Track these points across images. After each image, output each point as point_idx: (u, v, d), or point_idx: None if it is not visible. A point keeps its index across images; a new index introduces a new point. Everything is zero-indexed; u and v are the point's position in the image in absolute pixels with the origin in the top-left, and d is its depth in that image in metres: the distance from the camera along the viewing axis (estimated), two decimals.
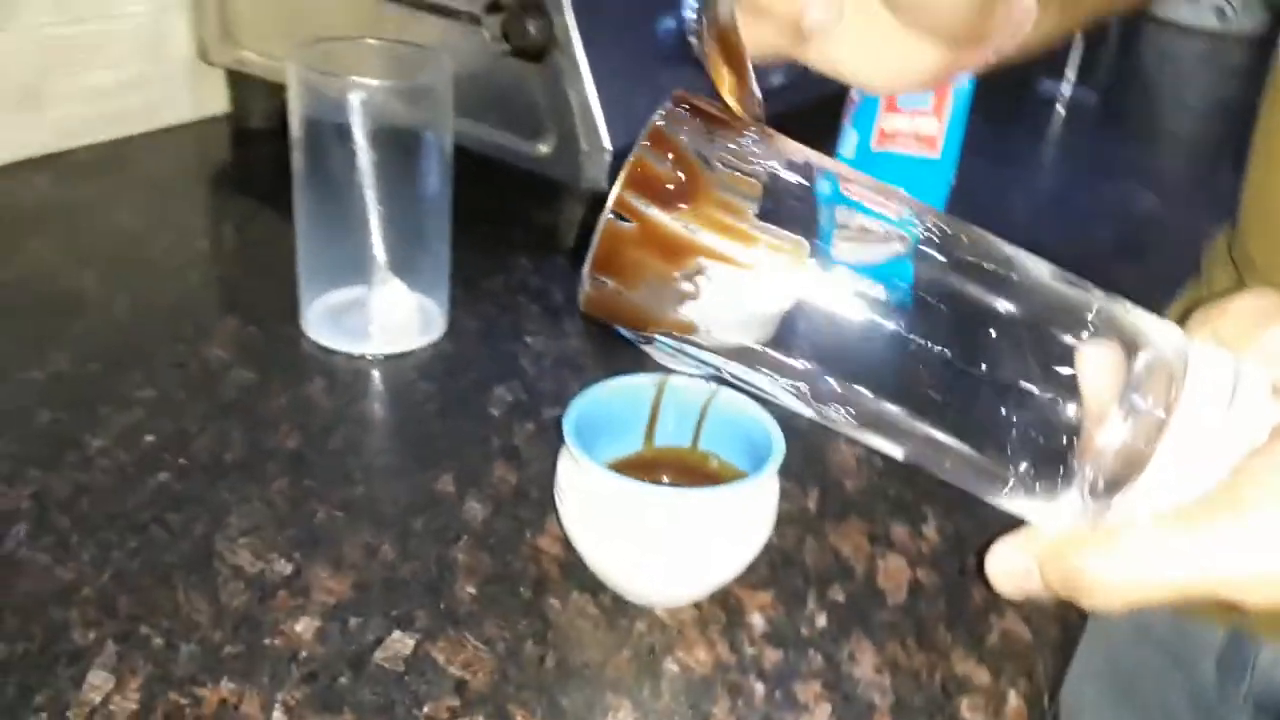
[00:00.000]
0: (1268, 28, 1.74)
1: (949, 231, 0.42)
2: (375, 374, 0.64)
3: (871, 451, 0.61)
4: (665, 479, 0.52)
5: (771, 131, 0.40)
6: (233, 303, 0.71)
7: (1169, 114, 1.56)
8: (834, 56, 0.47)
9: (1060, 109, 1.42)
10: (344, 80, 0.60)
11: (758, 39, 0.44)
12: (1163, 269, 0.91)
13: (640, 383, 0.51)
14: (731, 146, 0.37)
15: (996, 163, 1.15)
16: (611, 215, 0.36)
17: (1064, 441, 0.36)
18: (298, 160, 0.63)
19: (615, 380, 0.51)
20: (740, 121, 0.39)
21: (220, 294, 0.72)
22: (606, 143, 0.76)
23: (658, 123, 0.37)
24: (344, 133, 0.61)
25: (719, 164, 0.37)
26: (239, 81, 0.96)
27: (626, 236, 0.36)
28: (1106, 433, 0.33)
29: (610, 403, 0.51)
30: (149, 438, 0.56)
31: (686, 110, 0.38)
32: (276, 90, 0.84)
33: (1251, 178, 0.59)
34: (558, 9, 0.74)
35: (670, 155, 0.37)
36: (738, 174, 0.37)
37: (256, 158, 0.94)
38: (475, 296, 0.72)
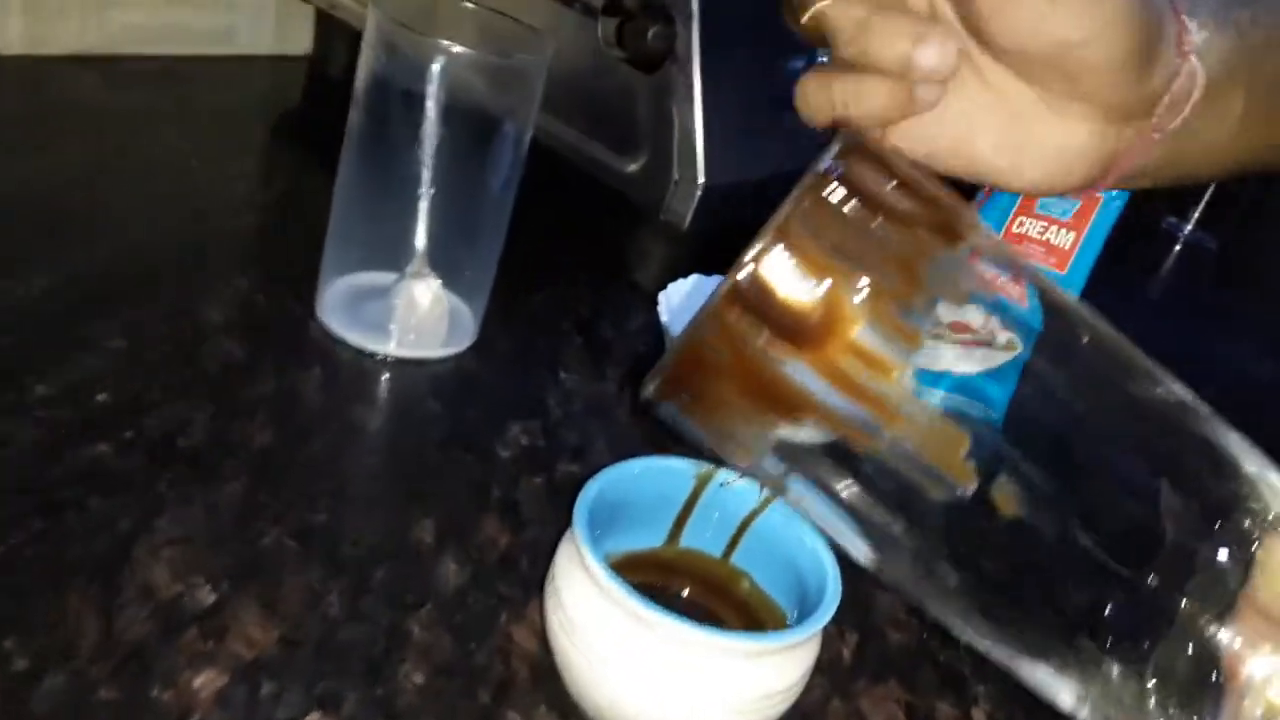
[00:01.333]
0: None
1: (1078, 331, 0.33)
2: (383, 378, 0.56)
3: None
4: (684, 590, 0.43)
5: (959, 209, 0.31)
6: (250, 261, 0.62)
7: None
8: (969, 149, 0.38)
9: (1176, 248, 1.32)
10: (428, 40, 0.52)
11: (861, 105, 0.35)
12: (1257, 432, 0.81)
13: (680, 468, 0.42)
14: (903, 244, 0.28)
15: (1097, 289, 1.06)
16: (700, 332, 0.27)
17: (1205, 668, 0.27)
18: (355, 118, 0.55)
19: (650, 459, 0.42)
20: (924, 192, 0.30)
21: (240, 247, 0.64)
22: (701, 176, 0.68)
23: (798, 206, 0.28)
24: (414, 100, 0.53)
25: (878, 282, 0.28)
26: (327, 24, 0.89)
27: (714, 366, 0.27)
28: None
29: (639, 482, 0.42)
30: (101, 396, 0.47)
31: (842, 185, 0.28)
32: None
33: None
34: (685, 20, 0.66)
35: (805, 262, 0.28)
36: (900, 317, 0.28)
37: (327, 109, 0.86)
38: (515, 312, 0.63)
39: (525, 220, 0.59)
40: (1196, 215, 1.35)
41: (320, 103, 0.88)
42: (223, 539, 0.42)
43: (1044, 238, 0.69)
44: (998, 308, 0.39)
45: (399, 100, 0.53)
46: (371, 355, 0.56)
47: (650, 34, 0.66)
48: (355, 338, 0.56)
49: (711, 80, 0.67)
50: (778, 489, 0.33)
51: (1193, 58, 0.37)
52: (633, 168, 0.70)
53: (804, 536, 0.41)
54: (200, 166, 0.71)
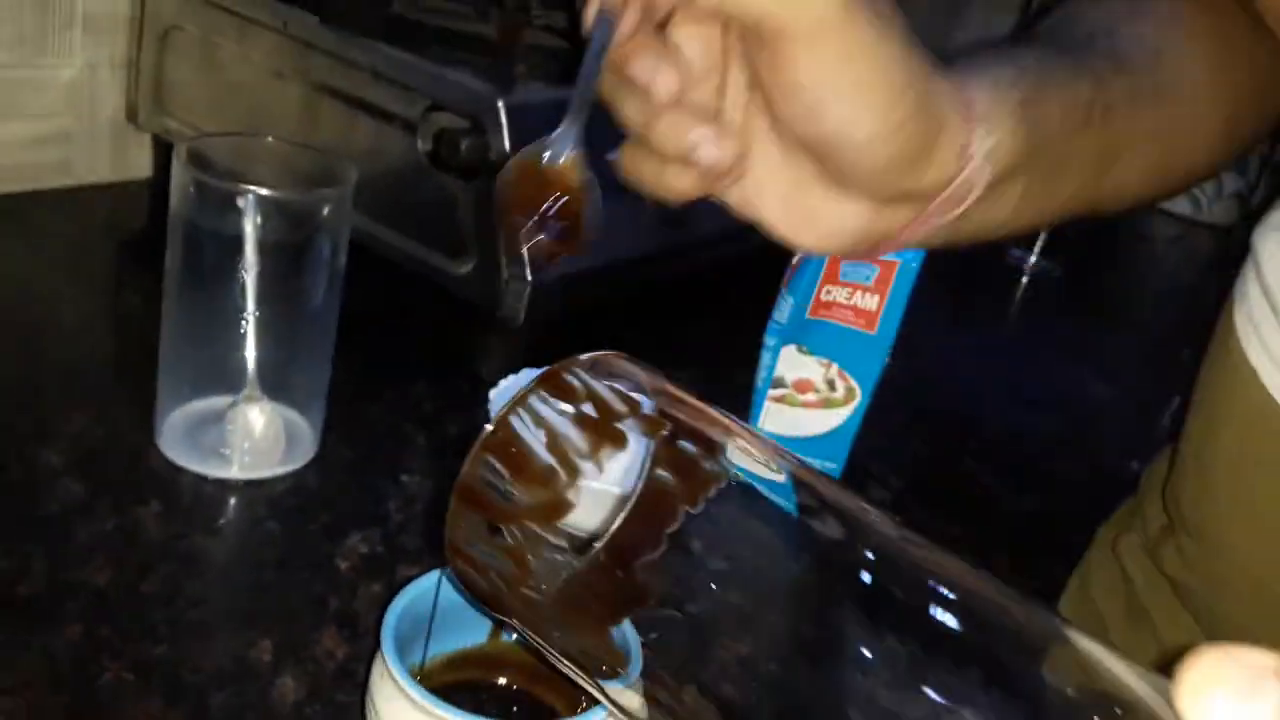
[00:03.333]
0: (1236, 222, 1.74)
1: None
2: (225, 502, 0.58)
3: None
4: (504, 680, 0.46)
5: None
6: (90, 394, 0.64)
7: (1133, 296, 1.54)
8: (756, 207, 0.42)
9: (1024, 280, 1.40)
10: (233, 186, 0.55)
11: (666, 185, 0.40)
12: (1106, 466, 0.87)
13: None
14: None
15: (950, 329, 1.12)
16: None
17: None
18: (171, 255, 0.57)
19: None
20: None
21: (80, 381, 0.66)
22: (529, 274, 0.72)
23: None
24: (226, 238, 0.56)
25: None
26: (164, 148, 0.91)
27: None
28: None
29: (448, 589, 0.45)
30: None
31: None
32: None
33: (1190, 429, 0.54)
34: (495, 129, 0.70)
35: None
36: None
37: None
38: (356, 420, 0.66)
39: (364, 325, 0.62)
40: (1039, 247, 1.43)
41: (164, 226, 0.90)
42: (61, 681, 0.44)
43: (851, 302, 0.74)
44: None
45: (211, 238, 0.56)
46: (212, 481, 0.58)
47: (463, 146, 0.70)
48: (195, 465, 0.59)
49: None
50: None
51: (975, 161, 0.40)
52: (464, 270, 0.74)
53: None
54: (38, 301, 0.73)
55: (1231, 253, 0.60)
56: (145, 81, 0.88)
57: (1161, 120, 0.48)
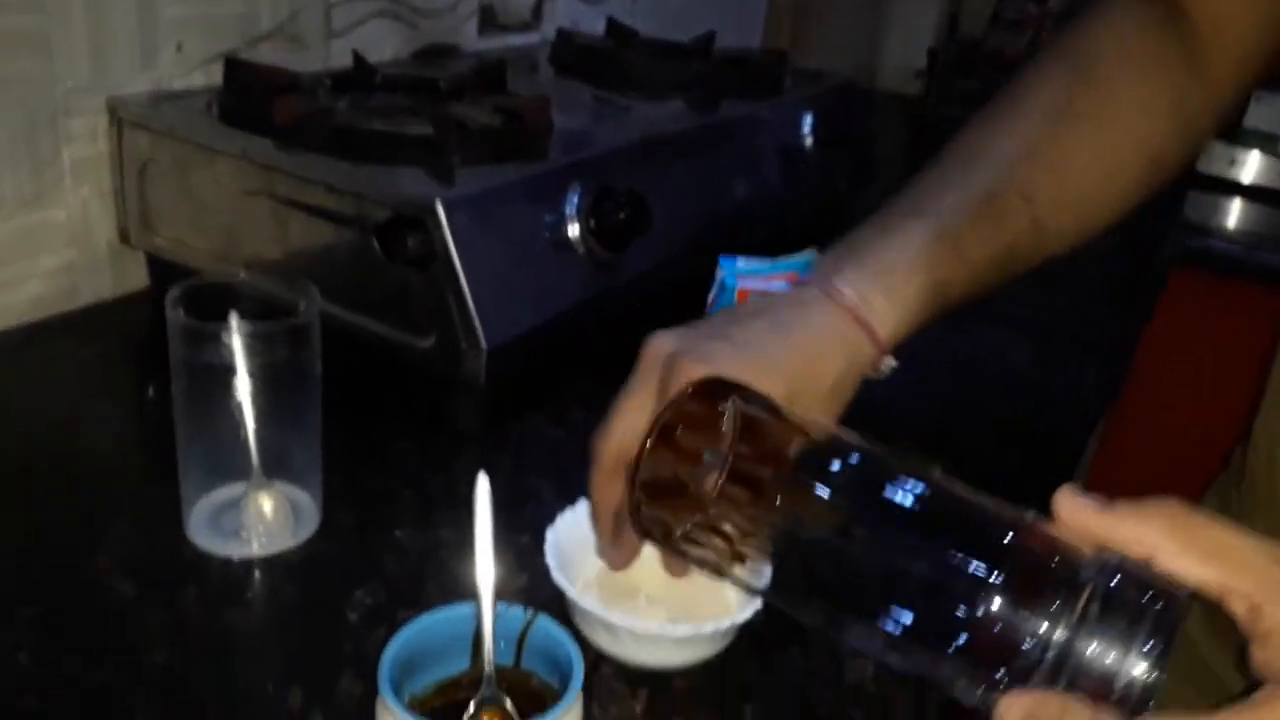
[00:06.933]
0: None
1: None
2: (248, 577, 0.70)
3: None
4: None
5: None
6: (125, 504, 0.76)
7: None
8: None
9: None
10: (219, 325, 0.66)
11: None
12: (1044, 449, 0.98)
13: (461, 611, 0.57)
14: None
15: None
16: None
17: None
18: (176, 385, 0.69)
19: (440, 610, 0.57)
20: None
21: (114, 497, 0.77)
22: (483, 342, 0.83)
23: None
24: (220, 368, 0.67)
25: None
26: (158, 260, 1.03)
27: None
28: None
29: (435, 629, 0.57)
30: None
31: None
32: (191, 272, 0.89)
33: None
34: (436, 225, 0.81)
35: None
36: None
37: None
38: (354, 487, 0.78)
39: (351, 405, 0.73)
40: None
41: (164, 328, 1.01)
42: None
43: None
44: None
45: (206, 368, 0.68)
46: (234, 561, 0.70)
47: (410, 242, 0.81)
48: (220, 549, 0.70)
49: (471, 263, 0.83)
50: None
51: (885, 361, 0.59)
52: (427, 344, 0.85)
53: (559, 637, 0.56)
54: (67, 418, 0.85)
55: None
56: (131, 208, 0.99)
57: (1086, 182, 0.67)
